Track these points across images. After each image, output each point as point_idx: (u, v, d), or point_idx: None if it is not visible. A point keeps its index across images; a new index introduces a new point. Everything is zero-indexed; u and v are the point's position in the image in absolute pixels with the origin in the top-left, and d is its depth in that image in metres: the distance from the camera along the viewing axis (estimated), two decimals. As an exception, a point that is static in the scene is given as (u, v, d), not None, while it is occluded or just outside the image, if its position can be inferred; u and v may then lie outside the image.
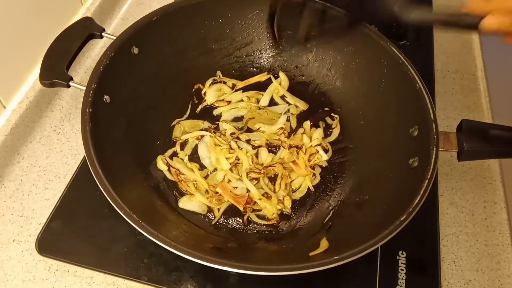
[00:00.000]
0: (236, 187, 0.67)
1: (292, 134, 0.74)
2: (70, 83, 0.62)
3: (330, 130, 0.75)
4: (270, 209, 0.65)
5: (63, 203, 0.65)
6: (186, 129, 0.73)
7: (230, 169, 0.68)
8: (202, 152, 0.71)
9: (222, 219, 0.65)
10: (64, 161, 0.73)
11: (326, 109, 0.77)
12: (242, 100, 0.77)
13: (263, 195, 0.66)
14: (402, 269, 0.62)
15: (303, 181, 0.69)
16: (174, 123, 0.74)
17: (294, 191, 0.69)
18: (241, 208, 0.65)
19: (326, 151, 0.72)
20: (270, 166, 0.69)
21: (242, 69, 0.81)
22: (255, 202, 0.66)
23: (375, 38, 0.69)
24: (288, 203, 0.66)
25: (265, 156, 0.71)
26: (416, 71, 0.64)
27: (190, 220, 0.64)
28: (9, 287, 0.60)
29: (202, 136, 0.72)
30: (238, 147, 0.71)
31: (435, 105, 0.72)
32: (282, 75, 0.80)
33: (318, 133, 0.73)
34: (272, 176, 0.69)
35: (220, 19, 0.76)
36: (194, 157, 0.71)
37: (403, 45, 0.90)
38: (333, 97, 0.78)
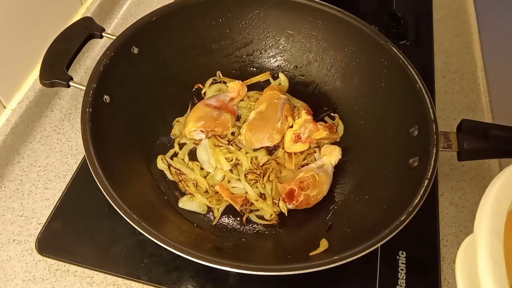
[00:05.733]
0: (235, 187, 0.67)
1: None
2: (70, 83, 0.62)
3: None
4: (266, 210, 0.65)
5: (63, 203, 0.65)
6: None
7: (230, 170, 0.68)
8: (201, 155, 0.71)
9: (222, 219, 0.65)
10: (64, 161, 0.73)
11: (325, 109, 0.77)
12: (242, 100, 0.77)
13: (260, 196, 0.66)
14: (402, 269, 0.62)
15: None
16: (174, 122, 0.74)
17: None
18: (237, 208, 0.65)
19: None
20: (265, 164, 0.69)
21: (242, 69, 0.81)
22: (252, 203, 0.66)
23: (375, 38, 0.69)
24: (282, 205, 0.65)
25: (261, 156, 0.70)
26: (416, 71, 0.64)
27: (190, 220, 0.64)
28: (9, 287, 0.60)
29: (200, 140, 0.72)
30: (238, 148, 0.71)
31: (435, 105, 0.72)
32: (281, 75, 0.80)
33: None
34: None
35: (220, 19, 0.76)
36: (194, 157, 0.71)
37: (403, 45, 0.91)
38: (333, 97, 0.78)
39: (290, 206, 0.65)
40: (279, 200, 0.66)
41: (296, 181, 0.64)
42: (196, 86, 0.79)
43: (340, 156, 0.70)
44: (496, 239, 0.35)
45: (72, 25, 0.68)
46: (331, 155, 0.69)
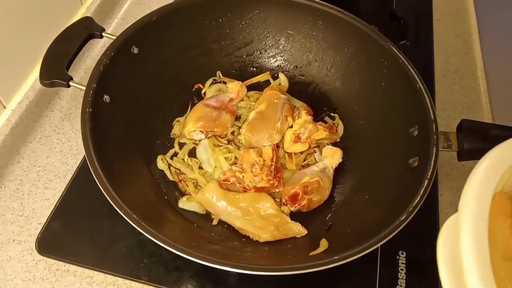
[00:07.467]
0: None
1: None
2: (70, 83, 0.62)
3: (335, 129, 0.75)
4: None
5: (63, 203, 0.65)
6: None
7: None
8: (201, 155, 0.71)
9: (222, 219, 0.65)
10: (64, 161, 0.73)
11: (325, 109, 0.77)
12: (242, 100, 0.77)
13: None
14: (402, 269, 0.62)
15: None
16: (174, 122, 0.74)
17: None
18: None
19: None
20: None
21: (242, 69, 0.81)
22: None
23: (375, 38, 0.69)
24: (287, 210, 0.65)
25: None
26: (416, 71, 0.64)
27: (190, 220, 0.64)
28: (9, 287, 0.60)
29: (200, 140, 0.72)
30: (237, 147, 0.71)
31: (435, 105, 0.72)
32: (281, 75, 0.80)
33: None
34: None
35: (220, 19, 0.76)
36: (193, 157, 0.71)
37: (403, 45, 0.91)
38: (333, 97, 0.78)
39: (292, 209, 0.65)
40: (280, 200, 0.66)
41: (301, 185, 0.64)
42: (196, 86, 0.79)
43: (341, 160, 0.69)
44: (480, 221, 0.35)
45: (72, 25, 0.68)
46: (333, 158, 0.69)
